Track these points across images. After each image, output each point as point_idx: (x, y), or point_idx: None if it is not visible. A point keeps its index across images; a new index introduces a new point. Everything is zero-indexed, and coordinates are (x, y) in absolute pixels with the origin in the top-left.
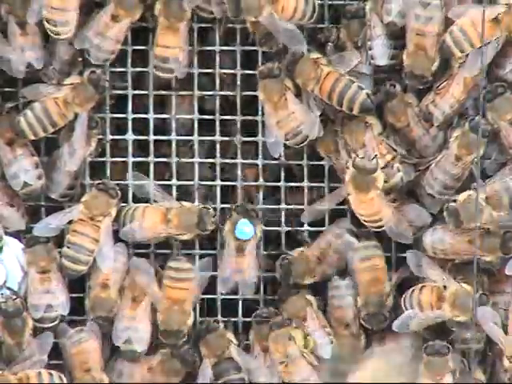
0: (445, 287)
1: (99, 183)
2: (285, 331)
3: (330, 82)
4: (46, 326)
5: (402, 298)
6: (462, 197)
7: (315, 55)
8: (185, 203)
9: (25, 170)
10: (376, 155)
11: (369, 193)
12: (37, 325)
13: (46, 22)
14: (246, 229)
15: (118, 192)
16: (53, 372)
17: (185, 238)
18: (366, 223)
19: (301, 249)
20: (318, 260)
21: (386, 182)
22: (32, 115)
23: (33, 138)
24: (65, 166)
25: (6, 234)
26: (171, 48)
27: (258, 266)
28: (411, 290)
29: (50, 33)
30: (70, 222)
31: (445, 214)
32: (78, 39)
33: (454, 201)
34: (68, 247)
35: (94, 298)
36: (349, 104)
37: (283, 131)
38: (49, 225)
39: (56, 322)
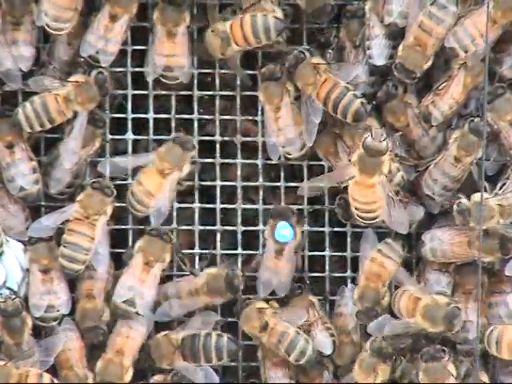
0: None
1: (94, 182)
2: (252, 307)
3: (326, 89)
4: (47, 324)
5: (391, 301)
6: (475, 198)
7: (316, 60)
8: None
9: (22, 174)
10: (386, 138)
11: (373, 177)
12: (39, 324)
13: (44, 17)
14: (285, 231)
15: (114, 190)
16: (54, 379)
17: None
18: (358, 214)
19: None
20: None
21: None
22: (30, 108)
23: (29, 130)
24: (62, 163)
25: (6, 234)
26: (174, 56)
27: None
28: (395, 293)
29: (47, 28)
30: (65, 222)
31: (454, 210)
32: (82, 47)
33: (459, 198)
34: (65, 246)
35: (81, 309)
36: (343, 112)
37: (281, 138)
38: (44, 225)
39: (58, 321)
